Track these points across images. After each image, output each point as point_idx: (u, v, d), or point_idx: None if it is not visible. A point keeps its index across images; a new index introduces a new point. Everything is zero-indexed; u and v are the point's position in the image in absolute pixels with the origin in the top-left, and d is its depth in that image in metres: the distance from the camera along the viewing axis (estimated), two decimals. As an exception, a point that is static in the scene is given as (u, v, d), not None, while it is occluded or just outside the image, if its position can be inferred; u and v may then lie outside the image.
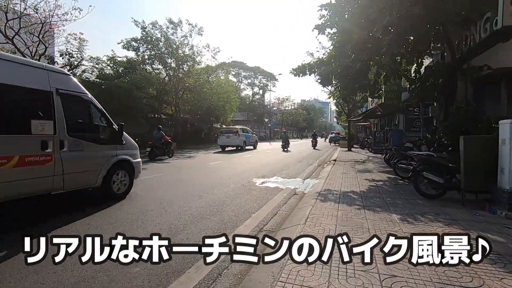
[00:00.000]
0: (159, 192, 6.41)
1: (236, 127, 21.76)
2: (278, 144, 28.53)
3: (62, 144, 4.58)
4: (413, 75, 11.28)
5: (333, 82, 13.73)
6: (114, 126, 5.82)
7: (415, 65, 11.20)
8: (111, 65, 18.19)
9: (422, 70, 11.07)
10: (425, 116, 13.96)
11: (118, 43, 21.67)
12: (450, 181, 5.29)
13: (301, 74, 12.38)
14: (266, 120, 60.97)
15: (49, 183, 4.40)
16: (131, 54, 22.30)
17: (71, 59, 14.35)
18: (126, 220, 4.38)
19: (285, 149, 21.19)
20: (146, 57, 21.81)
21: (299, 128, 79.48)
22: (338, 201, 5.24)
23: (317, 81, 19.45)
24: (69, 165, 4.66)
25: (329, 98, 26.58)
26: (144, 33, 21.70)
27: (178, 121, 24.16)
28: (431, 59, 12.81)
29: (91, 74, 17.09)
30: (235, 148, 20.55)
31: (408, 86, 16.58)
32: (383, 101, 20.69)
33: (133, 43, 21.76)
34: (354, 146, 24.61)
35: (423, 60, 11.23)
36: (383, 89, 13.88)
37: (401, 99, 19.05)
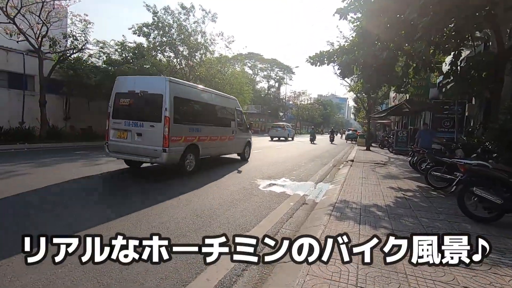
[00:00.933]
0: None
1: (283, 123, 29.91)
2: (291, 140, 27.81)
3: (234, 132, 10.02)
4: (447, 67, 9.74)
5: (355, 73, 12.34)
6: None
7: (451, 56, 9.67)
8: (119, 50, 17.42)
9: (459, 62, 9.52)
10: (458, 115, 12.35)
11: (129, 29, 20.61)
12: (511, 201, 4.00)
13: (318, 63, 11.04)
14: (281, 114, 59.46)
15: (232, 149, 10.14)
16: (142, 40, 21.45)
17: (75, 42, 13.62)
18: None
19: (313, 142, 26.59)
20: (157, 43, 20.87)
21: (314, 123, 77.45)
22: (359, 220, 4.07)
23: (336, 72, 18.00)
24: (236, 142, 10.19)
25: (349, 92, 24.94)
26: (156, 18, 20.76)
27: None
28: (469, 51, 11.14)
29: (98, 59, 16.40)
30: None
31: (437, 82, 14.92)
32: (407, 98, 19.03)
33: (144, 29, 20.86)
34: (373, 145, 22.99)
35: (462, 51, 9.64)
36: (411, 83, 12.33)
37: (428, 96, 17.32)
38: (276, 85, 64.61)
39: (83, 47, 14.20)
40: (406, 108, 12.50)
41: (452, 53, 9.23)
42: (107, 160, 8.51)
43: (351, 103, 59.54)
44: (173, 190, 5.75)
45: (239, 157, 10.91)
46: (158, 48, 21.18)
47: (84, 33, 13.82)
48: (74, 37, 13.70)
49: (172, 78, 7.27)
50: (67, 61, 14.46)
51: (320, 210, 4.78)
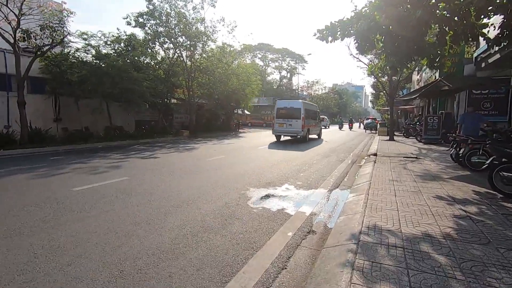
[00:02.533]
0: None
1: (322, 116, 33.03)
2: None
3: (316, 124, 19.51)
4: (496, 31, 7.41)
5: (376, 47, 10.11)
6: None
7: (502, 16, 7.32)
8: (109, 42, 15.96)
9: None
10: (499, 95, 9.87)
11: (123, 18, 19.02)
12: None
13: (330, 38, 8.92)
14: (294, 105, 57.00)
15: (316, 133, 19.55)
16: (138, 32, 19.90)
17: (54, 34, 12.18)
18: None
19: (341, 129, 33.87)
20: (153, 34, 19.19)
21: (330, 113, 74.38)
22: (408, 283, 2.15)
23: (351, 53, 15.70)
24: (317, 128, 19.70)
25: (368, 74, 22.30)
26: (151, 6, 19.11)
27: (191, 106, 21.68)
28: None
29: (86, 53, 15.00)
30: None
31: (475, 56, 12.35)
32: (436, 77, 16.40)
33: (140, 19, 19.27)
34: (395, 133, 20.50)
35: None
36: (446, 55, 9.93)
37: (463, 73, 14.70)
38: (289, 75, 62.08)
39: (62, 40, 12.71)
40: (445, 86, 10.02)
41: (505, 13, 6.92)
42: (73, 168, 6.95)
43: (368, 89, 56.27)
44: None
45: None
46: (156, 39, 19.54)
47: (60, 24, 12.31)
48: (53, 29, 12.23)
49: (304, 101, 18.36)
50: (48, 56, 13.07)
51: (334, 250, 2.88)
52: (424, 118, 14.82)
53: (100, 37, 15.49)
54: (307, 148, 13.10)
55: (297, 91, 53.17)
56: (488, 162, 4.94)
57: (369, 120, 32.55)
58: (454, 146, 7.72)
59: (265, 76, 61.51)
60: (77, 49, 14.81)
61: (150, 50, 19.10)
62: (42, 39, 12.28)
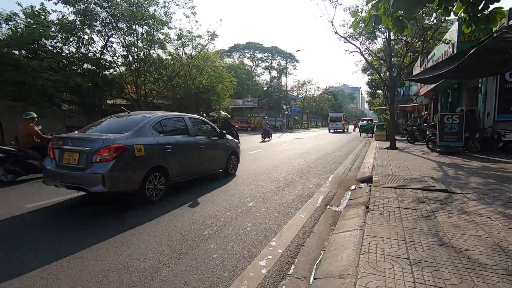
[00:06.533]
0: None
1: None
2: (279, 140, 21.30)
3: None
4: None
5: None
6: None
7: None
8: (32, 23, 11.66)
9: None
10: None
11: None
12: None
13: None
14: (284, 107, 52.69)
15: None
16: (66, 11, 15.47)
17: None
18: None
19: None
20: (83, 13, 14.85)
21: (324, 116, 70.14)
22: None
23: (336, 31, 11.41)
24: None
25: (354, 25, 17.45)
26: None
27: (141, 108, 17.37)
28: None
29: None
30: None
31: None
32: (452, 52, 11.99)
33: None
34: (396, 138, 16.11)
35: None
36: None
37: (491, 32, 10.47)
38: (278, 75, 57.88)
39: None
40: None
41: None
42: None
43: (364, 88, 52.19)
44: None
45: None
46: (87, 22, 15.12)
47: None
48: None
49: (344, 113, 45.27)
50: None
51: None
52: (439, 117, 10.51)
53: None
54: (267, 167, 8.73)
55: (285, 90, 48.80)
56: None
57: (365, 122, 28.08)
58: None
59: (254, 76, 57.39)
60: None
61: (74, 37, 14.67)
62: None
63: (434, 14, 12.10)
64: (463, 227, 3.24)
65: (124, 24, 15.57)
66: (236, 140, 7.70)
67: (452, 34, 12.33)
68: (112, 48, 16.69)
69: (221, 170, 6.81)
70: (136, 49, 16.39)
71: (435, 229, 3.19)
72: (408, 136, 15.54)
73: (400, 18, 4.75)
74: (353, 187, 5.75)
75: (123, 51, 16.47)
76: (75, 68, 14.15)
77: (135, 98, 17.73)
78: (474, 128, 10.50)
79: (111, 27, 15.63)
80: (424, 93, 20.46)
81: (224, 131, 6.85)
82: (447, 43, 12.04)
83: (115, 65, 16.56)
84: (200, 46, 20.82)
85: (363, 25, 4.88)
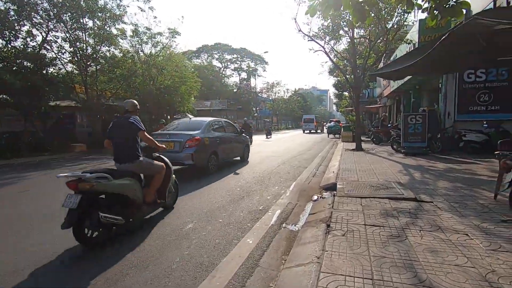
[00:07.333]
0: None
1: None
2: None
3: None
4: None
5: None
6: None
7: None
8: None
9: None
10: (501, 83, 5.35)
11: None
12: None
13: None
14: (254, 109, 52.15)
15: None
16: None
17: None
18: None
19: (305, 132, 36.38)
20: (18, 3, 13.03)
21: (294, 117, 70.76)
22: None
23: (300, 29, 10.86)
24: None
25: (311, 11, 17.25)
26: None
27: (92, 110, 15.64)
28: None
29: None
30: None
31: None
32: (412, 46, 12.00)
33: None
34: (362, 139, 16.04)
35: None
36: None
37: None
38: (246, 77, 57.28)
39: None
40: (498, 26, 4.12)
41: None
42: None
43: (332, 90, 53.45)
44: None
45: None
46: (23, 13, 13.25)
47: None
48: None
49: (316, 115, 46.71)
50: None
51: None
52: (402, 117, 10.33)
53: None
54: (222, 175, 7.89)
55: (254, 91, 48.32)
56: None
57: (332, 123, 28.16)
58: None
59: (223, 78, 56.24)
60: None
61: (7, 30, 12.78)
62: None
63: (396, 13, 12.03)
64: (440, 252, 2.62)
65: (68, 16, 13.91)
66: (247, 136, 10.37)
67: (413, 35, 12.38)
68: (57, 44, 14.89)
69: (239, 158, 9.58)
70: (84, 45, 14.71)
71: (408, 257, 2.53)
72: (373, 137, 15.50)
73: (361, 3, 4.14)
74: (315, 197, 5.07)
75: (70, 47, 14.75)
76: (7, 64, 12.27)
77: (85, 99, 15.93)
78: (436, 128, 10.47)
79: (52, 18, 13.88)
80: (387, 94, 20.80)
81: (243, 130, 10.39)
82: (409, 43, 12.04)
83: (60, 62, 14.75)
84: (160, 44, 19.47)
85: (321, 10, 4.19)
